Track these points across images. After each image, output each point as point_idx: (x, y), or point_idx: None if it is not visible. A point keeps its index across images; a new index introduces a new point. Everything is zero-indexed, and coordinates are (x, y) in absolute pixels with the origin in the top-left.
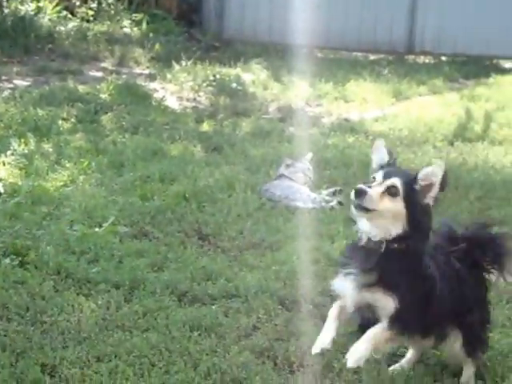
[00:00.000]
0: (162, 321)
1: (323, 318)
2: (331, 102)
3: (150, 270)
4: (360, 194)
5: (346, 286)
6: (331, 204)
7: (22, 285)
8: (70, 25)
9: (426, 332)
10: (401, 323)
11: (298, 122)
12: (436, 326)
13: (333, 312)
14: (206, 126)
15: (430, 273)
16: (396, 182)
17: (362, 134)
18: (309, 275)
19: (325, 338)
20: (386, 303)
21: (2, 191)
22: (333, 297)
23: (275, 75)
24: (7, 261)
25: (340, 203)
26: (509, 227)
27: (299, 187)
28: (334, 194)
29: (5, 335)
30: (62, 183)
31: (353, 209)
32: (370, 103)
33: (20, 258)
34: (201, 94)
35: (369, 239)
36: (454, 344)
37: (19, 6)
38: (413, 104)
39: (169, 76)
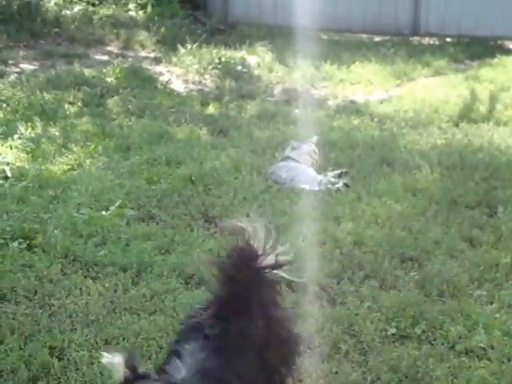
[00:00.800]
0: (169, 303)
1: (329, 300)
2: (336, 84)
3: (157, 253)
4: None
5: None
6: (337, 186)
7: (30, 268)
8: (76, 8)
9: None
10: None
11: (303, 104)
12: None
13: None
14: (211, 109)
15: None
16: None
17: (368, 116)
18: (315, 257)
19: None
20: None
21: (10, 175)
22: None
23: (280, 58)
24: (15, 244)
25: (346, 185)
26: None
27: (305, 169)
28: (339, 175)
29: (13, 318)
30: (68, 167)
31: None
32: (375, 85)
33: (28, 242)
34: (206, 76)
35: None
36: None
37: None
38: (418, 85)
39: (174, 59)
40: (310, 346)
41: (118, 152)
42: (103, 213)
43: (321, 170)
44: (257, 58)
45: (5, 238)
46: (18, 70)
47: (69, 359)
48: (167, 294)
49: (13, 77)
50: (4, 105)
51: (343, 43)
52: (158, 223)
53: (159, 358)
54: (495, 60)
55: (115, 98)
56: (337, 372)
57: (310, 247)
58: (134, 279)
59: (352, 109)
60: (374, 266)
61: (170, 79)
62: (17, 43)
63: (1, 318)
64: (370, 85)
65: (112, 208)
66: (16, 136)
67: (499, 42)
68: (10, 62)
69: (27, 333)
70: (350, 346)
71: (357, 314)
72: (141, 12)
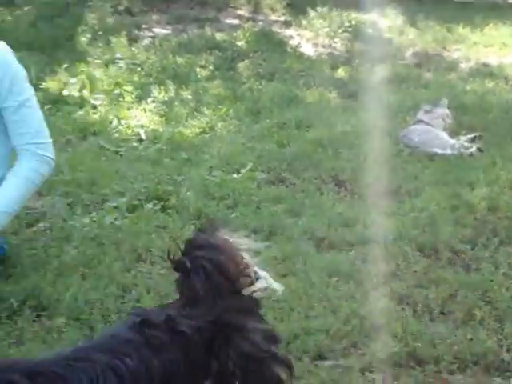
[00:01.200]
0: (300, 266)
1: (464, 266)
2: (469, 46)
3: (288, 216)
4: None
5: None
6: (470, 150)
7: (164, 229)
8: None
9: None
10: None
11: (435, 67)
12: None
13: None
14: (341, 73)
15: None
16: None
17: (502, 79)
18: (448, 222)
19: None
20: None
21: (144, 137)
22: None
23: (411, 20)
24: (150, 205)
25: (480, 149)
26: None
27: (438, 133)
28: (473, 140)
29: (149, 278)
30: (200, 130)
31: None
32: (509, 48)
33: (162, 203)
34: (336, 40)
35: None
36: None
37: None
38: None
39: (304, 23)
40: (444, 311)
41: (249, 115)
42: (234, 175)
43: (453, 134)
44: (387, 21)
45: (140, 200)
46: (151, 34)
47: None
48: (298, 257)
49: (146, 41)
50: (138, 69)
51: (476, 5)
52: (287, 186)
53: (291, 320)
54: None
55: (246, 61)
56: (471, 339)
57: (443, 212)
58: (265, 242)
59: (485, 72)
60: (509, 232)
61: (299, 43)
62: (150, 8)
63: (137, 278)
64: (505, 47)
65: (243, 171)
66: (150, 99)
67: None
68: (144, 26)
69: (162, 292)
70: (485, 313)
71: (492, 281)
72: None
